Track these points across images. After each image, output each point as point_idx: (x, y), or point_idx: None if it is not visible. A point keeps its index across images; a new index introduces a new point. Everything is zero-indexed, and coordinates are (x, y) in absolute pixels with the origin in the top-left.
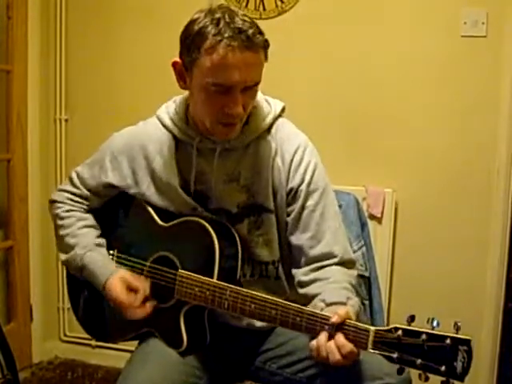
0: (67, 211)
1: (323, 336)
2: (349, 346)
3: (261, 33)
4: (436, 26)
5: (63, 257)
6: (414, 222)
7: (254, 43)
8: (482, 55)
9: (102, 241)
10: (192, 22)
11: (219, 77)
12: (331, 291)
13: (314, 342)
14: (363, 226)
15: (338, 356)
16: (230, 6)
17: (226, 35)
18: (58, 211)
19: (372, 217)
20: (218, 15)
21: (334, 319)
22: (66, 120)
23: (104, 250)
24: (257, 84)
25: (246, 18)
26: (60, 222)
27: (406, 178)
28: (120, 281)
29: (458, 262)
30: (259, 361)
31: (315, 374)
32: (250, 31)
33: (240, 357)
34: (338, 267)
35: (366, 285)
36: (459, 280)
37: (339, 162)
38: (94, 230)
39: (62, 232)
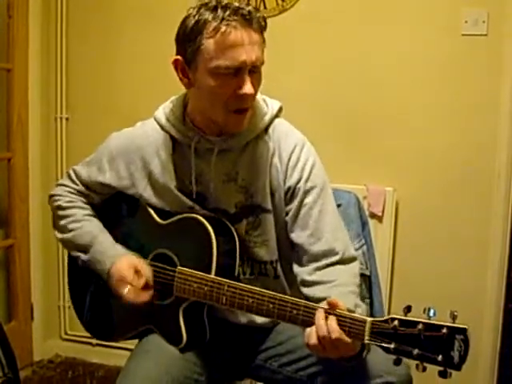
0: (68, 202)
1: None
2: (336, 329)
3: (257, 10)
4: (437, 25)
5: (65, 235)
6: (414, 221)
7: (254, 18)
8: (483, 54)
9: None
10: (187, 18)
11: (226, 58)
12: (338, 296)
13: (308, 329)
14: (364, 224)
15: (324, 331)
16: None
17: (227, 14)
18: (60, 203)
19: (373, 215)
20: (212, 4)
21: (331, 299)
22: (67, 119)
23: (111, 237)
24: (262, 64)
25: (240, 1)
26: (62, 213)
27: (407, 177)
28: (129, 261)
29: (459, 262)
30: (260, 359)
31: (316, 372)
32: (248, 8)
33: (240, 354)
34: (341, 266)
35: (366, 283)
36: (459, 280)
37: (340, 161)
38: (96, 219)
39: (63, 221)
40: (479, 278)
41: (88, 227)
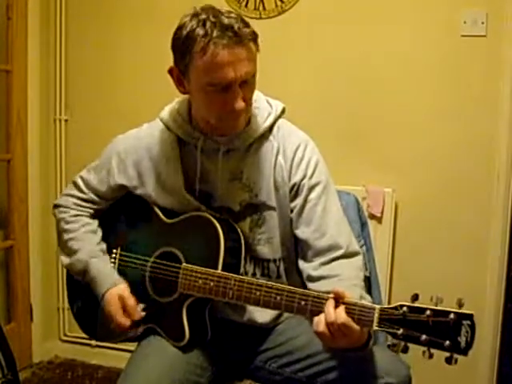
0: (74, 216)
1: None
2: (342, 316)
3: (247, 25)
4: (436, 26)
5: (66, 260)
6: (413, 221)
7: (243, 37)
8: (482, 55)
9: (104, 245)
10: (180, 28)
11: (215, 77)
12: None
13: (316, 317)
14: (363, 225)
15: (332, 317)
16: (212, 5)
17: (214, 35)
18: (65, 215)
19: (372, 216)
20: (203, 16)
21: (336, 289)
22: (66, 120)
23: (107, 257)
24: (254, 76)
25: (231, 14)
26: (65, 227)
27: (406, 177)
28: (118, 299)
29: (458, 262)
30: (259, 360)
31: (315, 373)
32: (236, 26)
33: (241, 355)
34: (345, 260)
35: (366, 284)
36: (459, 280)
37: (339, 162)
38: (97, 236)
39: (66, 236)
40: (479, 278)
41: (83, 250)
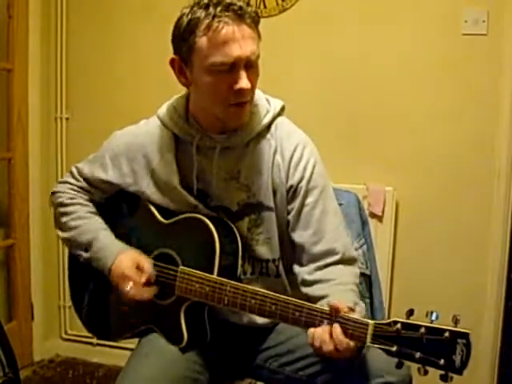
0: (70, 198)
1: (321, 326)
2: (344, 341)
3: (249, 6)
4: (437, 25)
5: (67, 234)
6: (414, 220)
7: (246, 13)
8: (483, 54)
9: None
10: (181, 17)
11: (220, 54)
12: (338, 294)
13: (311, 329)
14: (364, 224)
15: (331, 346)
16: None
17: (218, 11)
18: (61, 199)
19: (373, 215)
20: (204, 1)
21: (333, 303)
22: (67, 118)
23: (112, 234)
24: (257, 59)
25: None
26: (63, 209)
27: (407, 176)
28: (130, 257)
29: (459, 261)
30: (260, 359)
31: (316, 372)
32: (239, 3)
33: (241, 354)
34: (341, 266)
35: (366, 283)
36: (459, 279)
37: (340, 161)
38: (98, 216)
39: (65, 218)
40: (479, 277)
41: (89, 225)
